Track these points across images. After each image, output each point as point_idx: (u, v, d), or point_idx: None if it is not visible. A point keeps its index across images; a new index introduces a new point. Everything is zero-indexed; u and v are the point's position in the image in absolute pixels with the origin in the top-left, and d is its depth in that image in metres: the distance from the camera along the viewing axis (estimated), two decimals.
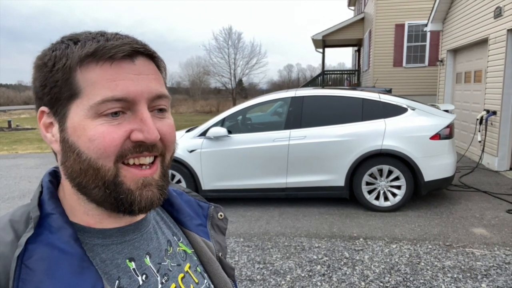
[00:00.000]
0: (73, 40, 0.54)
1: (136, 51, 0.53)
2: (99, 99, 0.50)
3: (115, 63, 0.51)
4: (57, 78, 0.52)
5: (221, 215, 0.79)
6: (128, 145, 0.52)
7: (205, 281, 0.67)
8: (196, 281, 0.64)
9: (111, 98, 0.50)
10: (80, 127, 0.51)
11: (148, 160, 0.54)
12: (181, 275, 0.62)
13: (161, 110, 0.56)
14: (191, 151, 4.86)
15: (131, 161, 0.53)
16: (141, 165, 0.53)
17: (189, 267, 0.65)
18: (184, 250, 0.67)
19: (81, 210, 0.56)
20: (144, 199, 0.53)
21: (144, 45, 0.54)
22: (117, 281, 0.54)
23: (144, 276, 0.57)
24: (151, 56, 0.55)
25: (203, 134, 4.92)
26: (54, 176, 0.60)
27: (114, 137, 0.50)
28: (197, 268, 0.67)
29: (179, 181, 4.88)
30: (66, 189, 0.56)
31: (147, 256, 0.59)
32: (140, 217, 0.62)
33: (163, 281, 0.59)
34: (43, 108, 0.55)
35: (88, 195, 0.54)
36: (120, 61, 0.51)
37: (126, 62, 0.52)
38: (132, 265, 0.57)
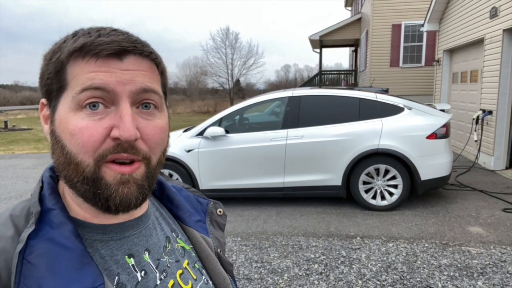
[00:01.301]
0: (73, 33, 0.55)
1: (124, 50, 0.52)
2: (79, 88, 0.51)
3: (100, 60, 0.51)
4: (50, 70, 0.53)
5: (220, 211, 0.79)
6: (109, 144, 0.51)
7: (203, 277, 0.67)
8: (194, 277, 0.64)
9: (89, 86, 0.50)
10: (64, 120, 0.52)
11: (127, 160, 0.53)
12: (180, 271, 0.62)
13: (149, 107, 0.54)
14: (189, 151, 4.86)
15: (110, 159, 0.52)
16: (120, 163, 0.53)
17: (187, 264, 0.65)
18: (183, 247, 0.67)
19: (76, 203, 0.56)
20: (120, 195, 0.52)
21: (135, 44, 0.53)
22: (116, 277, 0.54)
23: (143, 272, 0.57)
24: (145, 55, 0.54)
25: (201, 133, 4.92)
26: (54, 172, 0.60)
27: (92, 133, 0.50)
28: (196, 264, 0.67)
29: None
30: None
31: (146, 252, 0.60)
32: (140, 213, 0.62)
33: (162, 277, 0.59)
34: (42, 99, 0.57)
35: (74, 189, 0.54)
36: (106, 58, 0.51)
37: (113, 59, 0.51)
38: (131, 261, 0.57)
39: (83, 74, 0.51)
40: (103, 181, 0.52)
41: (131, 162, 0.53)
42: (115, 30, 0.55)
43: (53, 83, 0.53)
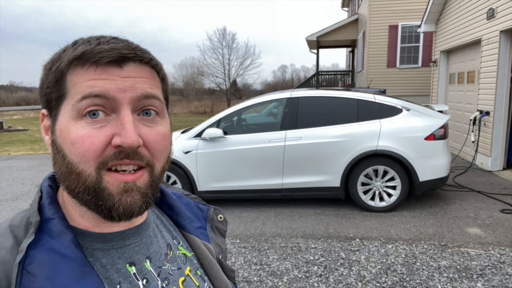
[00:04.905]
0: (73, 43, 0.54)
1: (124, 57, 0.51)
2: (79, 96, 0.50)
3: (100, 67, 0.50)
4: (50, 80, 0.53)
5: (220, 217, 0.79)
6: (110, 151, 0.50)
7: (206, 284, 0.66)
8: (197, 284, 0.64)
9: (89, 94, 0.50)
10: (64, 129, 0.51)
11: (130, 167, 0.52)
12: (182, 278, 0.62)
13: (150, 114, 0.54)
14: (187, 152, 4.84)
15: (113, 168, 0.51)
16: (124, 170, 0.52)
17: (190, 271, 0.65)
18: (184, 254, 0.66)
19: (77, 213, 0.55)
20: (123, 205, 0.51)
21: (135, 51, 0.52)
22: (118, 286, 0.54)
23: (144, 280, 0.57)
24: (145, 61, 0.54)
25: (199, 135, 4.90)
26: (53, 181, 0.59)
27: (93, 142, 0.49)
28: (198, 271, 0.66)
29: (174, 183, 4.86)
30: (65, 193, 0.56)
31: (147, 260, 0.59)
32: (140, 221, 0.61)
33: (164, 285, 0.59)
34: (43, 110, 0.56)
35: (77, 199, 0.53)
36: (106, 66, 0.51)
37: (113, 67, 0.51)
38: (133, 269, 0.56)
39: (83, 82, 0.50)
40: (106, 191, 0.51)
41: (135, 170, 0.52)
42: (115, 38, 0.54)
43: (52, 92, 0.53)
